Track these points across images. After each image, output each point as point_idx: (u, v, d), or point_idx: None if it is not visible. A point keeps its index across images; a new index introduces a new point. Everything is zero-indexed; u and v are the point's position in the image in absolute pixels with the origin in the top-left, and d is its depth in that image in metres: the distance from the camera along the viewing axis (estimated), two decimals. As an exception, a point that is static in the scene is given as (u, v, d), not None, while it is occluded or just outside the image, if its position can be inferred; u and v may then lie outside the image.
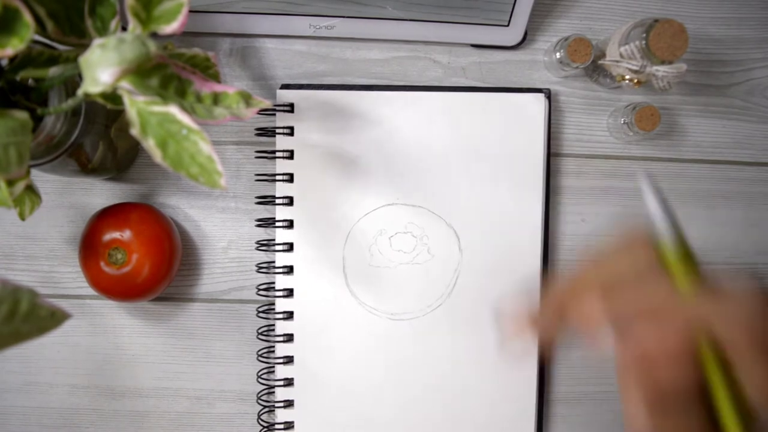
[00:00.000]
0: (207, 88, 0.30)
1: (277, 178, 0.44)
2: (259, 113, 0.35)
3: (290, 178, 0.45)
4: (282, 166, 0.45)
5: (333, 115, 0.45)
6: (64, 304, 0.33)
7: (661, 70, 0.40)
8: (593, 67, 0.46)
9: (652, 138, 0.48)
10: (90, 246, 0.41)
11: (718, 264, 0.49)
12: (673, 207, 0.23)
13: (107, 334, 0.46)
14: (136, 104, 0.27)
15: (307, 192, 0.45)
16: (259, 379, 0.45)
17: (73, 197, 0.46)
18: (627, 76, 0.42)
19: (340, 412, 0.45)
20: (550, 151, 0.47)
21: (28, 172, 0.31)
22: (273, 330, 0.45)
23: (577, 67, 0.44)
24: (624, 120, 0.46)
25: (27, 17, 0.27)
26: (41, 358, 0.46)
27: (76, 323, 0.46)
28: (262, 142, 0.46)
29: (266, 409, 0.45)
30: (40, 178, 0.44)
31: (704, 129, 0.48)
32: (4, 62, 0.31)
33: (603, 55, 0.44)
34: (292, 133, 0.44)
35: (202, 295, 0.47)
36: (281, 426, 0.45)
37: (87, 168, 0.39)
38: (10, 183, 0.30)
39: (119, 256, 0.41)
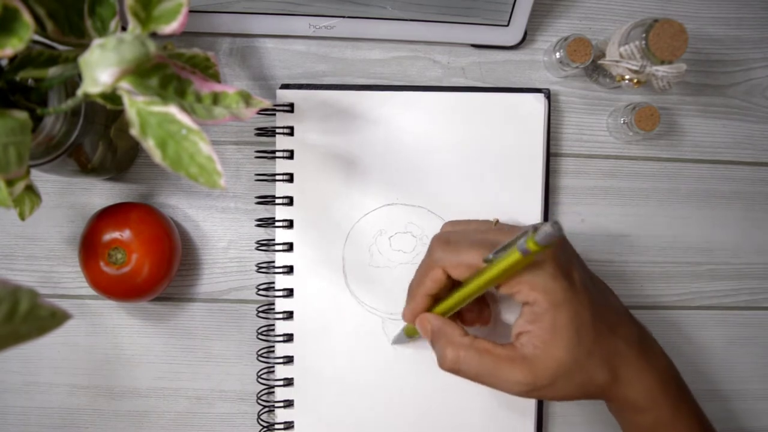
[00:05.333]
0: (207, 88, 0.30)
1: (277, 178, 0.45)
2: (259, 113, 0.35)
3: (290, 178, 0.45)
4: (282, 166, 0.45)
5: (333, 115, 0.45)
6: (64, 304, 0.33)
7: (660, 70, 0.40)
8: (593, 67, 0.46)
9: (651, 138, 0.48)
10: (90, 246, 0.41)
11: (718, 264, 0.49)
12: None
13: (107, 334, 0.46)
14: (136, 104, 0.27)
15: (307, 192, 0.45)
16: (259, 379, 0.45)
17: (73, 197, 0.46)
18: (627, 76, 0.42)
19: (340, 412, 0.45)
20: (550, 151, 0.47)
21: (27, 172, 0.31)
22: (273, 330, 0.45)
23: (576, 67, 0.44)
24: (624, 120, 0.46)
25: (27, 17, 0.27)
26: (41, 358, 0.46)
27: (76, 323, 0.46)
28: (262, 142, 0.46)
29: (266, 409, 0.45)
30: (40, 178, 0.44)
31: (704, 129, 0.48)
32: (4, 62, 0.31)
33: (603, 55, 0.44)
34: (292, 133, 0.44)
35: (202, 295, 0.47)
36: (281, 426, 0.45)
37: (87, 168, 0.39)
38: (10, 183, 0.30)
39: (119, 256, 0.41)
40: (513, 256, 0.31)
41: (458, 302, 0.36)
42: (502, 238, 0.34)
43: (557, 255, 0.34)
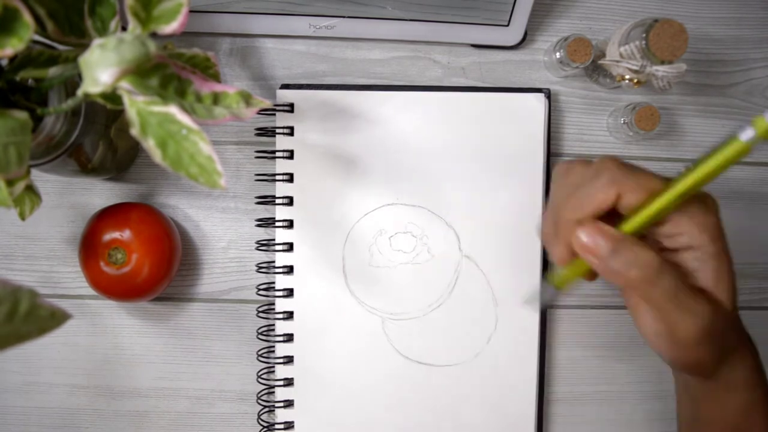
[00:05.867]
0: (207, 88, 0.30)
1: (277, 178, 0.45)
2: (259, 113, 0.35)
3: (290, 178, 0.45)
4: (282, 166, 0.45)
5: (333, 115, 0.45)
6: (64, 304, 0.33)
7: (660, 70, 0.40)
8: (593, 67, 0.46)
9: (651, 138, 0.48)
10: (90, 246, 0.41)
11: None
12: None
13: (107, 334, 0.46)
14: (136, 104, 0.27)
15: (307, 192, 0.45)
16: (259, 379, 0.45)
17: (73, 197, 0.46)
18: (627, 76, 0.42)
19: (340, 412, 0.45)
20: (550, 151, 0.47)
21: (28, 172, 0.31)
22: (273, 330, 0.45)
23: (577, 67, 0.44)
24: (624, 120, 0.46)
25: (27, 17, 0.27)
26: (41, 358, 0.46)
27: (76, 323, 0.46)
28: (262, 142, 0.46)
29: (266, 409, 0.45)
30: (40, 178, 0.44)
31: (704, 129, 0.48)
32: (4, 62, 0.31)
33: (603, 55, 0.44)
34: (292, 133, 0.45)
35: (202, 295, 0.47)
36: (281, 426, 0.45)
37: (87, 168, 0.39)
38: (10, 183, 0.30)
39: (119, 255, 0.41)
40: (735, 145, 0.28)
41: (647, 222, 0.31)
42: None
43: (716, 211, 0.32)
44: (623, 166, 0.32)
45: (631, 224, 0.31)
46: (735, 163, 0.29)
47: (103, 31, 0.31)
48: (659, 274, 0.30)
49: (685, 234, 0.31)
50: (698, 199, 0.31)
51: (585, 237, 0.31)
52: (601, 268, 0.31)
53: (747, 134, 0.27)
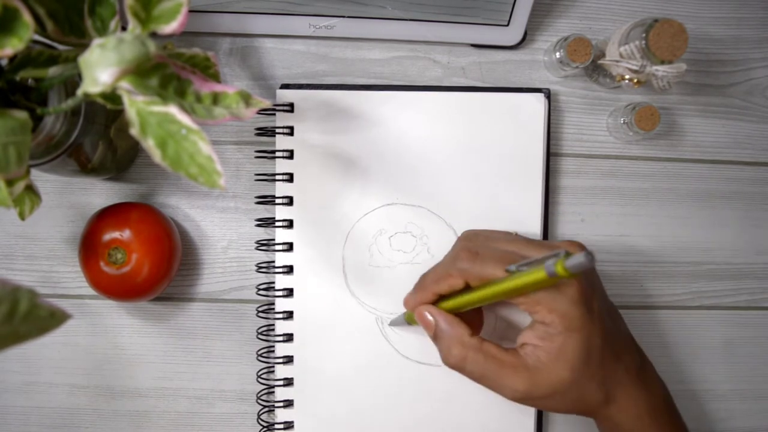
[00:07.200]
0: (207, 88, 0.30)
1: (277, 177, 0.45)
2: (259, 113, 0.35)
3: (290, 177, 0.45)
4: (282, 165, 0.45)
5: (333, 115, 0.45)
6: (63, 304, 0.33)
7: (660, 70, 0.40)
8: (593, 66, 0.46)
9: (651, 138, 0.48)
10: (90, 246, 0.41)
11: (718, 264, 0.49)
12: None
13: (107, 334, 0.46)
14: (136, 104, 0.27)
15: (307, 192, 0.45)
16: (259, 379, 0.45)
17: (73, 197, 0.46)
18: (627, 76, 0.42)
19: (340, 412, 0.45)
20: (550, 151, 0.47)
21: (27, 172, 0.31)
22: (273, 330, 0.45)
23: (576, 67, 0.44)
24: (624, 120, 0.46)
25: (26, 17, 0.27)
26: (41, 358, 0.46)
27: (76, 323, 0.46)
28: (262, 142, 0.46)
29: (266, 409, 0.45)
30: (40, 178, 0.44)
31: (704, 129, 0.48)
32: (4, 62, 0.31)
33: (603, 54, 0.44)
34: (291, 133, 0.45)
35: (202, 294, 0.47)
36: (281, 426, 0.45)
37: (87, 168, 0.39)
38: (10, 183, 0.30)
39: (119, 255, 0.41)
40: (537, 275, 0.31)
41: (466, 305, 0.37)
42: (529, 253, 0.36)
43: (581, 281, 0.35)
44: (474, 257, 0.36)
45: (454, 303, 0.37)
46: (536, 289, 0.33)
47: (103, 31, 0.31)
48: (465, 362, 0.36)
49: (538, 312, 0.35)
50: (555, 286, 0.34)
51: (422, 312, 0.39)
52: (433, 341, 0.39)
53: (549, 270, 0.30)
